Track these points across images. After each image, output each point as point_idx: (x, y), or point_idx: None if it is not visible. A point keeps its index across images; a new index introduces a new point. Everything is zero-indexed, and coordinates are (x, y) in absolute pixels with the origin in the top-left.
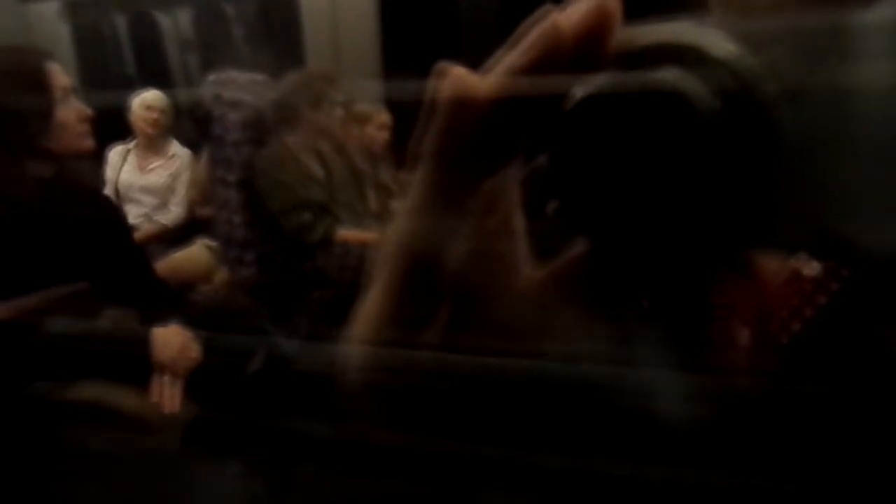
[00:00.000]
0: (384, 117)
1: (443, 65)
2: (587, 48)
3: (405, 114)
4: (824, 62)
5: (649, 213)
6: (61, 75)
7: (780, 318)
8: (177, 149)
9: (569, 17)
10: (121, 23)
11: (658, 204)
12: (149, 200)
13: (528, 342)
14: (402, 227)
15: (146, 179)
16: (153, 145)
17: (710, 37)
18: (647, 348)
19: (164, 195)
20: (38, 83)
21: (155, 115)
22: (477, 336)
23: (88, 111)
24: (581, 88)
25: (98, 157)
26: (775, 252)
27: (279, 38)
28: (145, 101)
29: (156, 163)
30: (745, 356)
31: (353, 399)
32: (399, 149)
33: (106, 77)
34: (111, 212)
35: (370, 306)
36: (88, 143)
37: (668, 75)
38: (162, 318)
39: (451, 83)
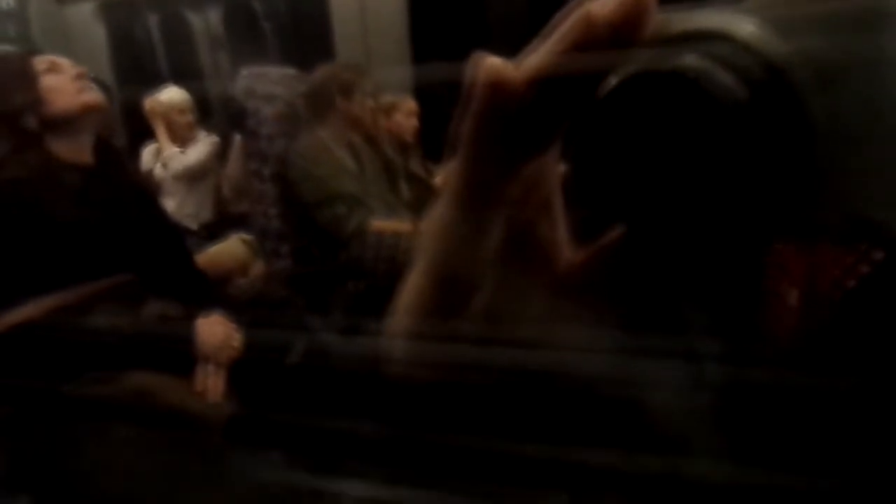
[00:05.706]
0: (411, 104)
1: (478, 54)
2: (621, 37)
3: (435, 104)
4: (861, 47)
5: (680, 198)
6: (43, 60)
7: (834, 277)
8: (202, 136)
9: (603, 7)
10: (153, 22)
11: (688, 189)
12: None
13: (568, 330)
14: (439, 216)
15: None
16: (185, 139)
17: (741, 23)
18: (690, 333)
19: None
20: (23, 76)
21: (189, 118)
22: (515, 325)
23: (81, 68)
24: (614, 76)
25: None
26: (808, 237)
27: (308, 32)
28: (176, 105)
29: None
30: (793, 323)
31: (394, 390)
32: (429, 139)
33: (140, 74)
34: (149, 200)
35: (408, 296)
36: (90, 95)
37: (695, 62)
38: (203, 308)
39: (487, 71)
